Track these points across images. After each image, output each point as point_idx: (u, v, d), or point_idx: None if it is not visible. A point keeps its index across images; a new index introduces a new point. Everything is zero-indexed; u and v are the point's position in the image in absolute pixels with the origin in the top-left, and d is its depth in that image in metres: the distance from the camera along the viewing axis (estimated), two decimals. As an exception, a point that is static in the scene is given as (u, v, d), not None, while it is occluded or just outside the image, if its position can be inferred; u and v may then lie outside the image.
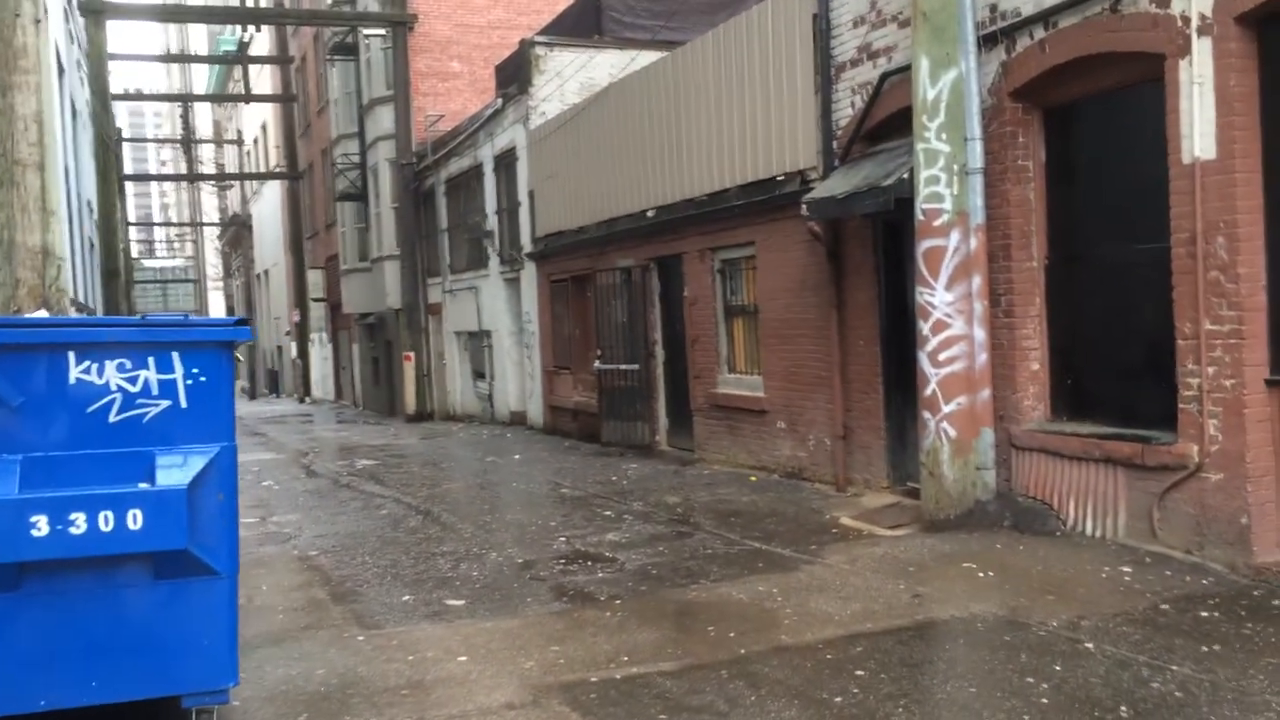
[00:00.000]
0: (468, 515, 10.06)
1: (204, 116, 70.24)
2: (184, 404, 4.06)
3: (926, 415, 7.98)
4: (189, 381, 4.06)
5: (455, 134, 21.25)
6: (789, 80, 10.31)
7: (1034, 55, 7.59)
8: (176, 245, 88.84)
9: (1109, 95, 7.41)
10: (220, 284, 74.36)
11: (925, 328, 7.95)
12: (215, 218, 69.19)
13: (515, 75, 18.29)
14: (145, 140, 61.85)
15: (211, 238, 73.32)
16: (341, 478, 13.61)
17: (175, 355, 4.04)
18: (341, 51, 27.49)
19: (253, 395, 50.19)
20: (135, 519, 3.87)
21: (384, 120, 24.52)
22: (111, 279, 21.62)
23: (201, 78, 61.18)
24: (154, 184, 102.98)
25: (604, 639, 5.83)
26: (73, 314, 5.56)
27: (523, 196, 17.82)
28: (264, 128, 45.15)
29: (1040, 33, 7.51)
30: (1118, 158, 7.48)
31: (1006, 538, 7.61)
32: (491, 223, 19.58)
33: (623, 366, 14.02)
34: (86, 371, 3.93)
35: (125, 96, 30.82)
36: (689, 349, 12.68)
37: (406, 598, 6.95)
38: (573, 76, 17.10)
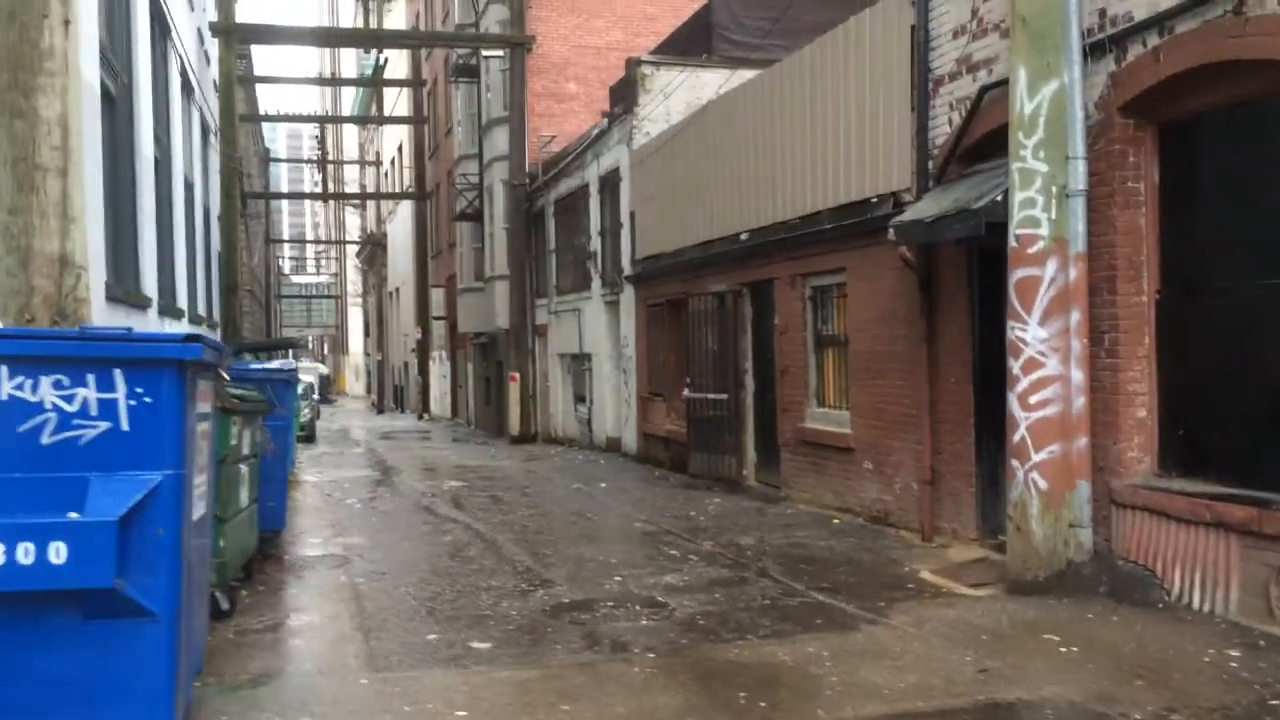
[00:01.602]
0: (530, 546, 9.64)
1: (350, 138, 72.86)
2: (125, 426, 3.72)
3: (1015, 464, 7.19)
4: (132, 402, 3.72)
5: (564, 155, 21.11)
6: (884, 96, 9.64)
7: (1147, 65, 6.77)
8: (323, 263, 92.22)
9: (1234, 109, 6.55)
10: (360, 300, 76.62)
11: (1016, 366, 7.17)
12: (358, 237, 71.41)
13: (623, 95, 18.00)
14: (282, 160, 63.84)
15: (352, 255, 75.63)
16: (424, 499, 13.40)
17: (118, 373, 3.70)
18: (464, 73, 27.81)
19: (379, 410, 51.33)
20: (58, 552, 3.53)
21: (500, 141, 24.59)
22: (230, 294, 22.18)
23: (349, 101, 63.34)
24: (308, 203, 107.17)
25: (621, 700, 5.28)
26: (93, 326, 5.32)
27: (624, 218, 17.47)
28: (400, 149, 46.27)
29: (1154, 39, 6.70)
30: (1244, 180, 6.59)
31: (1100, 606, 6.75)
32: (595, 244, 19.30)
33: (711, 396, 13.45)
34: (19, 387, 3.62)
35: (251, 117, 31.79)
36: (778, 380, 12.04)
37: (432, 636, 6.53)
38: (679, 96, 16.68)
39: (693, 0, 21.71)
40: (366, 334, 69.93)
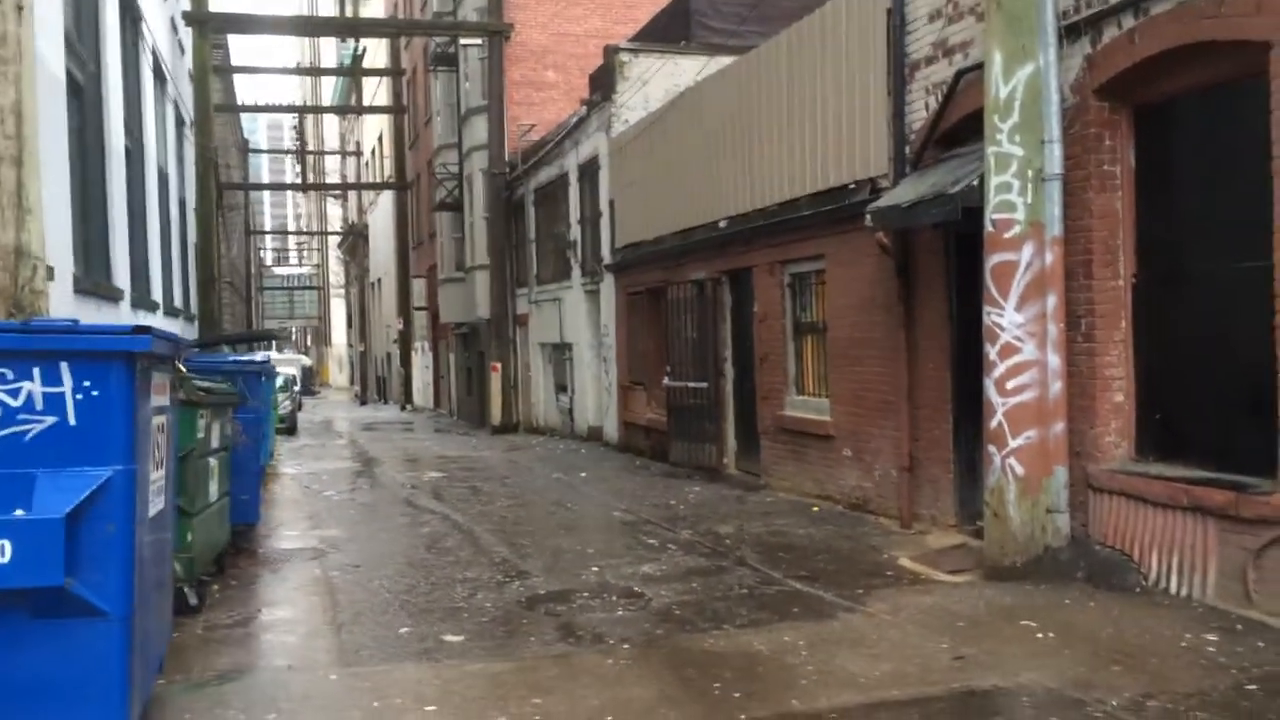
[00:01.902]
0: (508, 537, 9.55)
1: (331, 129, 72.34)
2: (73, 421, 3.61)
3: (991, 449, 7.14)
4: (79, 396, 3.61)
5: (543, 143, 20.97)
6: (861, 81, 9.56)
7: (1122, 47, 6.71)
8: (305, 254, 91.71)
9: (1209, 91, 6.49)
10: (343, 292, 76.20)
11: (992, 352, 7.11)
12: (340, 228, 70.94)
13: (602, 83, 17.86)
14: (262, 151, 63.35)
15: (334, 247, 75.20)
16: (403, 490, 13.30)
17: (64, 366, 3.59)
18: (443, 62, 27.59)
19: (363, 401, 51.07)
20: (3, 551, 3.43)
21: (479, 130, 24.42)
22: (208, 286, 21.95)
23: (329, 91, 62.84)
24: (290, 194, 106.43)
25: (594, 692, 5.21)
26: (49, 319, 5.20)
27: (604, 206, 17.36)
28: (380, 139, 45.94)
29: (1130, 21, 6.64)
30: (1220, 162, 6.55)
31: (1077, 592, 6.71)
32: (574, 233, 19.18)
33: (691, 384, 13.37)
34: (-38, 383, 3.50)
35: (228, 108, 31.50)
36: (757, 368, 11.97)
37: (405, 630, 6.44)
38: (657, 83, 16.55)
39: (672, -14, 21.57)
40: (349, 325, 69.58)
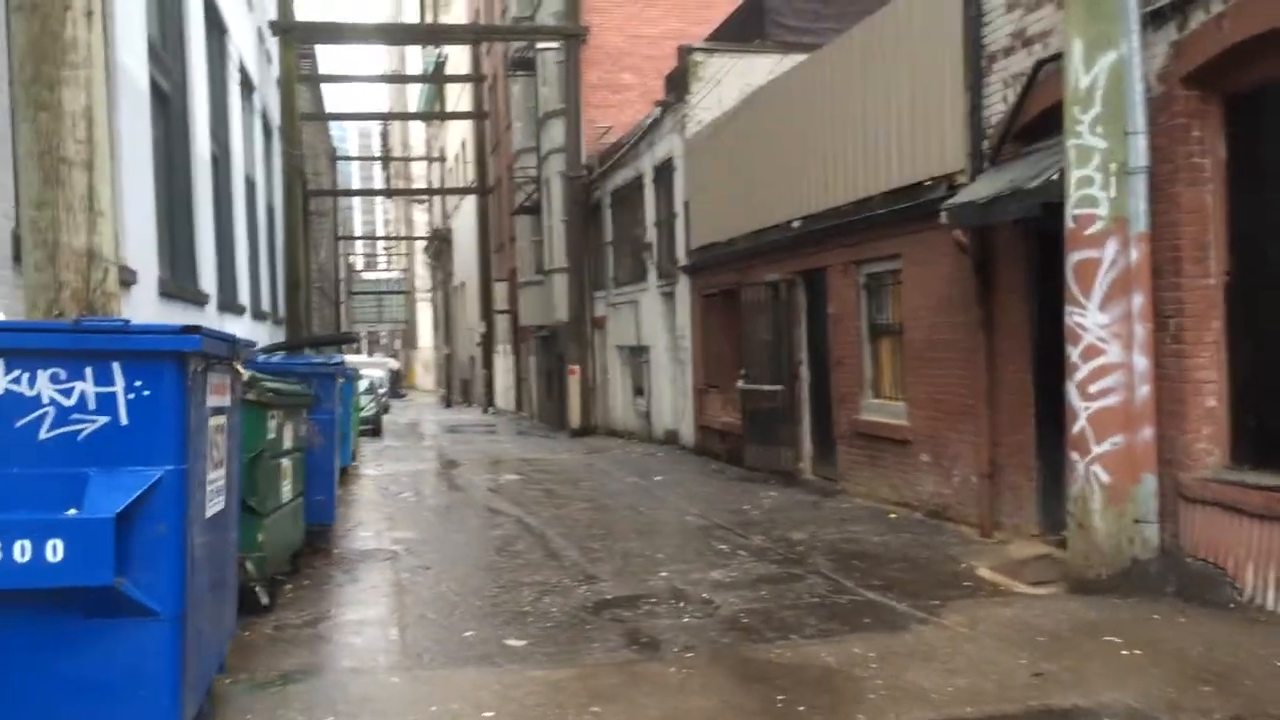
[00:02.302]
0: (579, 540, 9.49)
1: (418, 135, 73.54)
2: (124, 421, 3.62)
3: (1074, 456, 6.85)
4: (131, 396, 3.62)
5: (619, 146, 20.94)
6: (936, 74, 9.30)
7: (1211, 32, 6.38)
8: (394, 259, 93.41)
9: (1308, 78, 6.14)
10: (429, 295, 77.36)
11: (1075, 354, 6.83)
12: (425, 233, 71.98)
13: (677, 84, 17.76)
14: (352, 158, 64.69)
15: (421, 251, 76.38)
16: (479, 492, 13.35)
17: (116, 366, 3.60)
18: (521, 67, 27.79)
19: (448, 404, 51.74)
20: (55, 550, 3.44)
21: (556, 134, 24.52)
22: (293, 290, 22.39)
23: (415, 98, 63.87)
24: (379, 201, 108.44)
25: (655, 702, 5.10)
26: (101, 319, 5.25)
27: (679, 207, 17.25)
28: (463, 145, 46.50)
29: (1218, 5, 6.30)
30: (1320, 153, 6.18)
31: (1167, 607, 6.40)
32: (650, 235, 19.10)
33: (766, 387, 13.17)
34: (16, 381, 3.54)
35: (314, 116, 32.14)
36: (833, 370, 11.74)
37: (469, 633, 6.41)
38: (731, 83, 16.39)
39: (748, -15, 21.38)
40: (435, 329, 70.61)
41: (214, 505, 4.38)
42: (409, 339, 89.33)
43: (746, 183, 13.96)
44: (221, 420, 4.50)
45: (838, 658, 5.70)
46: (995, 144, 8.52)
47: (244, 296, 17.14)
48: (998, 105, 8.58)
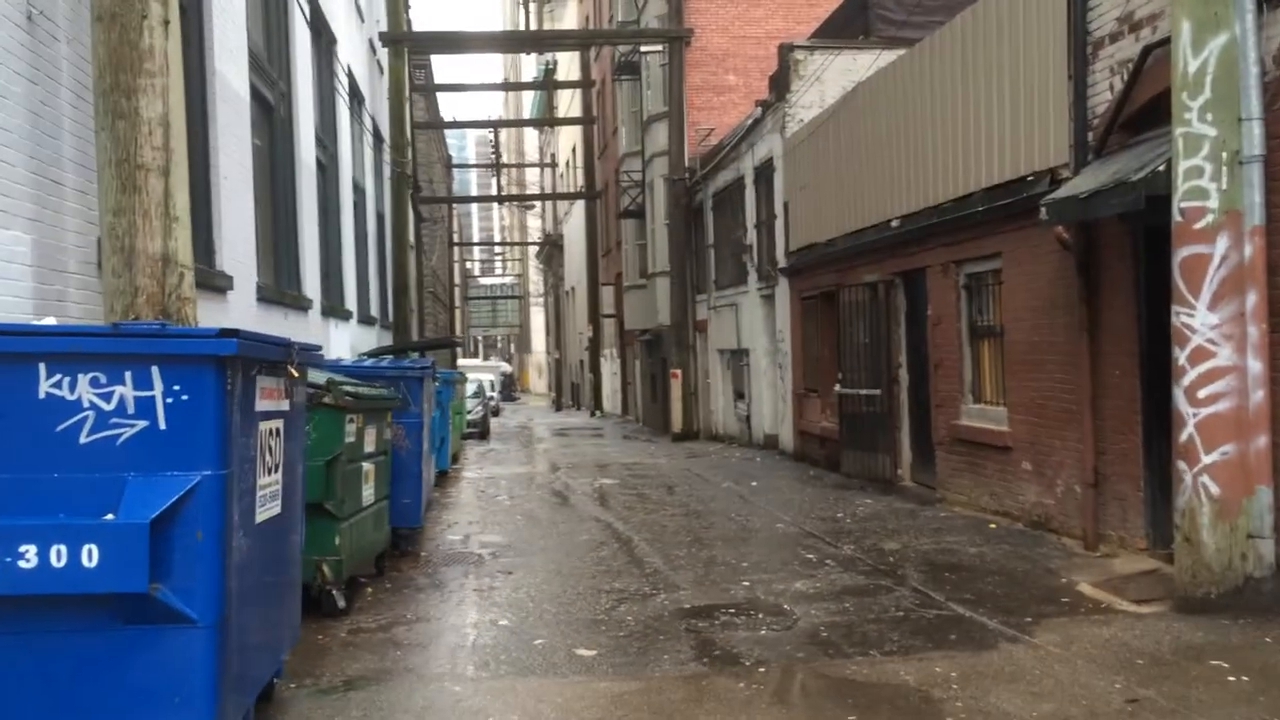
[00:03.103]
0: (664, 547, 9.34)
1: (531, 142, 74.55)
2: (163, 425, 3.61)
3: (1181, 466, 6.39)
4: (169, 400, 3.60)
5: (720, 148, 20.73)
6: (1039, 63, 8.86)
7: (1335, 8, 5.88)
8: (509, 264, 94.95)
9: None
10: (541, 300, 78.33)
11: (1182, 356, 6.38)
12: (538, 238, 72.95)
13: (778, 83, 17.47)
14: (471, 165, 66.01)
15: (533, 256, 77.38)
16: (572, 496, 13.32)
17: (155, 370, 3.59)
18: (626, 71, 27.81)
19: (558, 407, 52.26)
20: (90, 555, 3.44)
21: (660, 137, 24.44)
22: (401, 295, 22.80)
23: (529, 105, 64.74)
24: (495, 207, 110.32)
25: (718, 719, 4.91)
26: (141, 322, 5.32)
27: (778, 208, 16.95)
28: (574, 150, 46.95)
29: (1343, -22, 5.81)
30: None
31: (1282, 629, 5.92)
32: (750, 236, 18.84)
33: (864, 391, 12.81)
34: (58, 385, 3.55)
35: (425, 125, 32.73)
36: (932, 374, 11.31)
37: (540, 641, 6.32)
38: (834, 80, 16.03)
39: (854, -19, 20.93)
40: (548, 333, 71.41)
41: (267, 510, 4.36)
42: (523, 343, 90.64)
43: (845, 181, 13.61)
44: (276, 424, 4.48)
45: (917, 676, 5.42)
46: (1101, 135, 8.06)
47: (351, 302, 17.49)
48: (1103, 94, 8.11)
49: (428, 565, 8.84)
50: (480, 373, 41.70)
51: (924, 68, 11.23)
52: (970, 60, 10.11)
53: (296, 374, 4.56)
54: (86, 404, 3.57)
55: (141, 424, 3.59)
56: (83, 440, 3.57)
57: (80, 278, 5.97)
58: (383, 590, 7.84)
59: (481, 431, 27.11)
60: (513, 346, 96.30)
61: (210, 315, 8.56)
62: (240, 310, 9.61)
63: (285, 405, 4.62)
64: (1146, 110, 7.55)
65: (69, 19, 5.93)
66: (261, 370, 4.20)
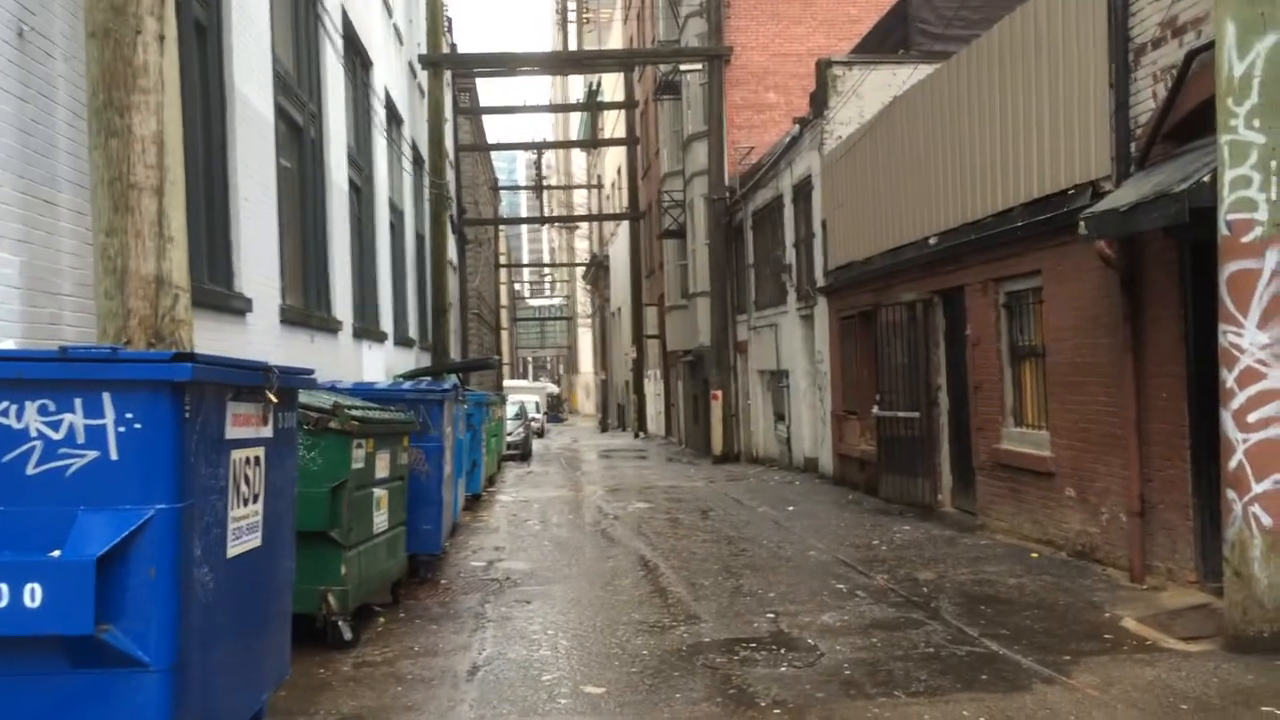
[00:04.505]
0: (690, 575, 9.03)
1: (579, 164, 74.80)
2: (114, 455, 3.40)
3: (1231, 495, 5.99)
4: (121, 429, 3.39)
5: (759, 166, 20.44)
6: (1079, 73, 8.49)
7: (1392, 4, 5.49)
8: (557, 286, 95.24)
9: None
10: (589, 321, 78.38)
11: (1230, 378, 5.98)
12: (585, 260, 73.09)
13: (817, 99, 17.17)
14: (521, 186, 66.36)
15: (580, 278, 77.54)
16: (604, 521, 13.05)
17: (106, 396, 3.38)
18: (667, 90, 27.68)
19: (603, 428, 52.07)
20: (33, 595, 3.24)
21: (700, 156, 24.22)
22: (440, 317, 22.73)
23: (576, 126, 64.92)
24: (544, 228, 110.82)
25: (723, 766, 4.60)
26: (193, 349, 5.16)
27: (816, 227, 16.61)
28: (619, 171, 46.89)
29: (1400, -28, 5.42)
30: None
31: (1342, 673, 5.48)
32: (789, 256, 18.51)
33: (902, 414, 12.41)
34: (4, 413, 3.37)
35: (469, 147, 32.81)
36: (972, 396, 10.90)
37: (548, 677, 6.04)
38: (874, 96, 15.69)
39: (895, -4, 20.60)
40: (595, 353, 71.36)
41: (243, 543, 4.14)
42: (571, 364, 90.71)
43: (883, 198, 13.26)
44: (254, 452, 4.27)
45: (942, 721, 5.07)
46: (1144, 146, 7.67)
47: (386, 324, 17.39)
48: (1146, 103, 7.73)
49: (445, 593, 8.61)
50: (525, 394, 41.65)
51: (961, 80, 10.88)
52: (1008, 71, 9.76)
53: (276, 399, 4.34)
54: (34, 433, 3.37)
55: (92, 454, 3.39)
56: (29, 471, 3.37)
57: (75, 300, 5.83)
58: (395, 620, 7.62)
59: (523, 454, 26.95)
60: (561, 367, 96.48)
61: (229, 338, 8.44)
62: (261, 333, 9.48)
63: (266, 432, 4.41)
64: (1191, 118, 7.17)
65: (66, 36, 5.81)
66: (235, 396, 3.99)
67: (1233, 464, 5.96)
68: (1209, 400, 7.14)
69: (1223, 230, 6.01)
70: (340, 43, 13.80)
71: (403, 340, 19.50)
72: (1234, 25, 5.94)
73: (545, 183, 51.89)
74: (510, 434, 25.65)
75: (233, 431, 4.00)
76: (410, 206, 21.78)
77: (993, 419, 10.45)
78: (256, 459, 4.31)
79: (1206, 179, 6.25)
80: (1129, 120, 7.90)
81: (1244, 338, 5.89)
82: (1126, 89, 7.90)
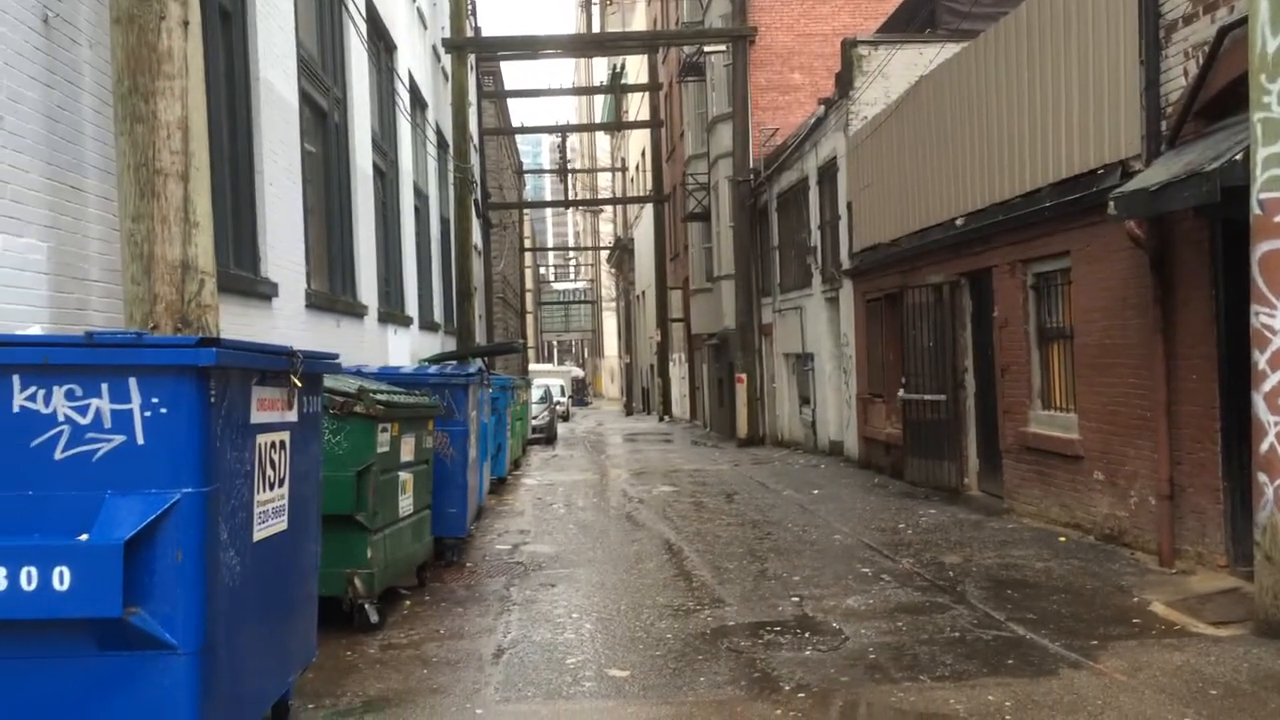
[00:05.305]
0: (714, 559, 9.03)
1: (603, 147, 74.64)
2: (141, 440, 3.42)
3: (1262, 478, 5.91)
4: (147, 413, 3.42)
5: (784, 148, 20.32)
6: (1109, 49, 8.37)
7: None
8: (582, 270, 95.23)
9: None
10: (614, 305, 78.34)
11: (1262, 360, 5.90)
12: (609, 243, 73.03)
13: (842, 80, 17.03)
14: (545, 170, 66.31)
15: (604, 261, 77.49)
16: (629, 505, 13.07)
17: (132, 382, 3.40)
18: (692, 72, 27.52)
19: (629, 412, 52.09)
20: (62, 578, 3.27)
21: (724, 138, 24.10)
22: (465, 301, 22.78)
23: (600, 109, 64.80)
24: (569, 212, 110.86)
25: (747, 750, 4.60)
26: (219, 334, 5.19)
27: (841, 209, 16.51)
28: (643, 154, 46.76)
29: None
30: None
31: (1376, 659, 5.41)
32: (814, 238, 18.41)
33: (928, 397, 12.33)
34: (32, 399, 3.39)
35: (492, 131, 32.80)
36: (999, 379, 10.82)
37: (572, 660, 6.06)
38: (900, 76, 15.53)
39: (922, -26, 20.36)
40: (619, 337, 71.37)
41: (269, 527, 4.17)
42: (596, 347, 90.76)
43: (909, 179, 13.15)
44: (279, 436, 4.29)
45: (967, 705, 5.05)
46: (1174, 124, 7.56)
47: (411, 308, 17.45)
48: (1177, 80, 7.61)
49: (471, 576, 8.66)
50: (550, 378, 41.75)
51: (988, 59, 10.76)
52: (1036, 48, 9.64)
53: (300, 383, 4.35)
54: (62, 418, 3.40)
55: (119, 439, 3.41)
56: (57, 456, 3.40)
57: (104, 285, 5.87)
58: (421, 603, 7.66)
59: (548, 437, 27.04)
60: (586, 351, 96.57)
61: (255, 323, 8.48)
62: (287, 318, 9.53)
63: (291, 416, 4.43)
64: (1224, 96, 7.05)
65: (91, 22, 5.83)
66: (260, 380, 4.01)
67: (1264, 447, 5.89)
68: (1240, 382, 7.05)
69: (1255, 210, 5.92)
70: (364, 27, 13.79)
71: (428, 324, 19.56)
72: (1267, 0, 5.83)
73: (569, 166, 51.73)
74: (535, 417, 25.72)
75: (258, 416, 4.02)
76: (435, 190, 21.82)
77: (1020, 401, 10.37)
78: (282, 443, 4.33)
79: (1239, 157, 6.15)
80: (1159, 98, 7.78)
81: (1276, 319, 5.80)
82: (1157, 66, 7.78)
